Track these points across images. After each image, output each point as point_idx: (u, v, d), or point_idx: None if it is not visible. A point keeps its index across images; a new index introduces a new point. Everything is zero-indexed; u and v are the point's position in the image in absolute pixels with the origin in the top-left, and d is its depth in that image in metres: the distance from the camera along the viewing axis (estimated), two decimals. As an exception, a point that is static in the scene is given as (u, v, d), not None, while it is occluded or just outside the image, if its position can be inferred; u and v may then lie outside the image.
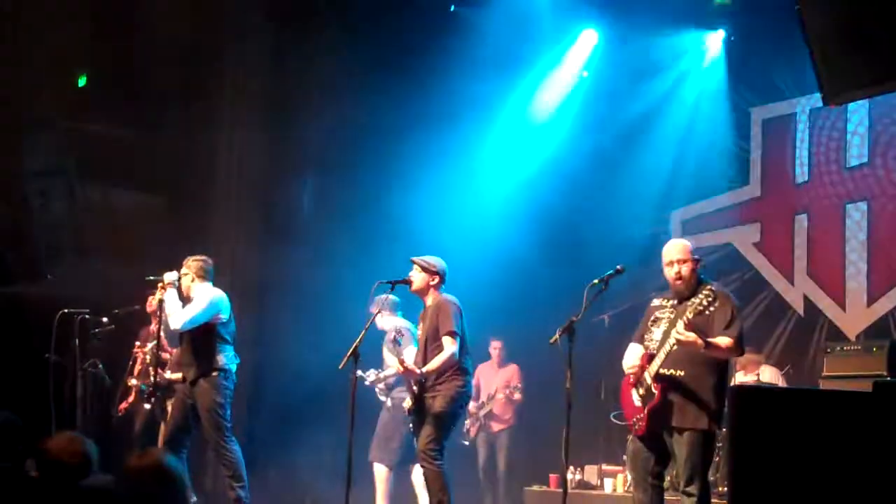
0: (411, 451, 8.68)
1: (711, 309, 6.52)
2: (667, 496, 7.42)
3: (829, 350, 9.72)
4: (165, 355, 9.15)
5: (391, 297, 9.07)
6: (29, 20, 10.15)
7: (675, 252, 6.93)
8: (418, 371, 7.92)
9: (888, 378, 8.82)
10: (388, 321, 9.59)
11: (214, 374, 8.43)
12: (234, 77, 12.32)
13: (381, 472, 9.66)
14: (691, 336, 6.47)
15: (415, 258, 8.24)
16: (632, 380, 6.88)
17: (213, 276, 8.78)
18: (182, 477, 4.09)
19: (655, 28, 11.84)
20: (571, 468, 9.94)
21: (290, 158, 12.31)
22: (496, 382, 11.37)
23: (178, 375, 8.88)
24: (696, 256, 6.93)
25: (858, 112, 10.94)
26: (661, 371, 6.68)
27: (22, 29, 10.11)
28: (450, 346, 7.90)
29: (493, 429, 11.37)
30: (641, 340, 7.02)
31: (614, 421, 9.55)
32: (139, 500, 3.68)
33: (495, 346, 11.52)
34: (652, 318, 6.98)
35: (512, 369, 11.43)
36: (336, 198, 12.18)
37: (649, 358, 6.79)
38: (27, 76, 10.12)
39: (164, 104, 11.53)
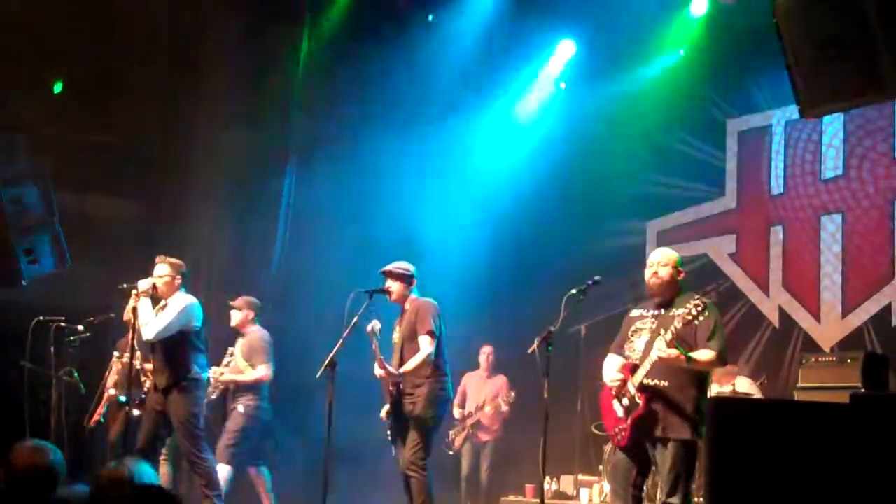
0: (255, 453, 9.48)
1: (700, 319, 6.53)
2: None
3: (803, 361, 9.74)
4: (148, 365, 9.11)
5: (254, 299, 9.68)
6: (3, 26, 10.09)
7: (658, 255, 7.03)
8: (396, 372, 7.90)
9: (862, 390, 8.87)
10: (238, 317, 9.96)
11: (186, 383, 8.38)
12: (212, 81, 12.29)
13: (225, 472, 9.41)
14: (673, 353, 6.49)
15: (386, 269, 8.23)
16: (614, 392, 6.88)
17: (188, 281, 8.77)
18: (157, 486, 4.05)
19: (632, 40, 11.88)
20: (548, 478, 9.93)
21: (270, 164, 12.28)
22: (485, 392, 11.35)
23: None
24: (679, 267, 6.96)
25: (833, 124, 10.99)
26: (645, 381, 6.70)
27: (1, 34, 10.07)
28: (426, 347, 7.91)
29: (481, 438, 11.33)
30: (621, 351, 7.02)
31: (595, 432, 9.57)
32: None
33: (485, 352, 11.48)
34: (632, 328, 6.99)
35: (501, 380, 11.41)
36: (319, 206, 12.14)
37: (632, 368, 6.80)
38: (1, 82, 10.07)
39: (141, 110, 11.50)
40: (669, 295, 6.90)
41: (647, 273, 6.98)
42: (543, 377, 7.20)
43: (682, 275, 7.01)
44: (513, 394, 11.07)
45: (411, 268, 8.26)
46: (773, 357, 10.94)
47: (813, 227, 11.14)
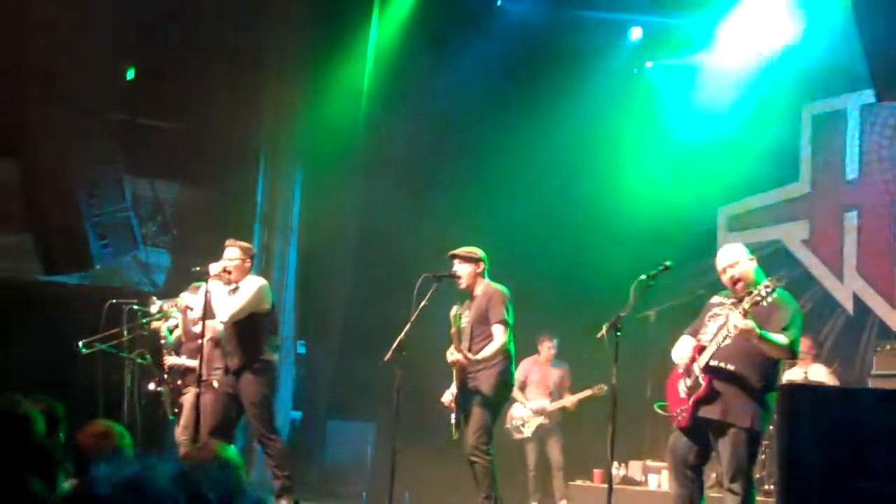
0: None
1: (769, 300, 6.39)
2: (712, 493, 7.36)
3: (878, 348, 9.63)
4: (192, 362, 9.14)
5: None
6: (78, 13, 10.22)
7: (723, 259, 6.86)
8: (473, 358, 7.86)
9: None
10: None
11: (259, 365, 8.42)
12: (279, 69, 12.35)
13: None
14: (749, 324, 6.32)
15: (455, 251, 8.16)
16: (680, 370, 6.82)
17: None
18: (242, 467, 4.06)
19: (705, 23, 11.78)
20: (616, 463, 9.88)
21: (335, 151, 12.32)
22: (553, 379, 11.29)
23: (191, 362, 8.94)
24: (749, 256, 6.83)
25: (910, 109, 10.82)
26: (712, 363, 6.61)
27: (71, 22, 10.19)
28: (500, 336, 7.86)
29: (549, 425, 11.24)
30: (695, 335, 6.92)
31: (657, 411, 9.50)
32: (202, 489, 3.66)
33: (548, 346, 11.40)
34: (710, 313, 6.89)
35: (564, 368, 11.35)
36: (387, 191, 12.15)
37: (700, 349, 6.72)
38: (76, 69, 10.19)
39: (210, 95, 11.60)
40: (752, 284, 6.76)
41: (725, 279, 6.81)
42: (612, 363, 7.15)
43: (755, 261, 6.86)
44: (604, 386, 10.76)
45: (480, 252, 8.20)
46: (848, 344, 10.80)
47: (888, 213, 10.97)
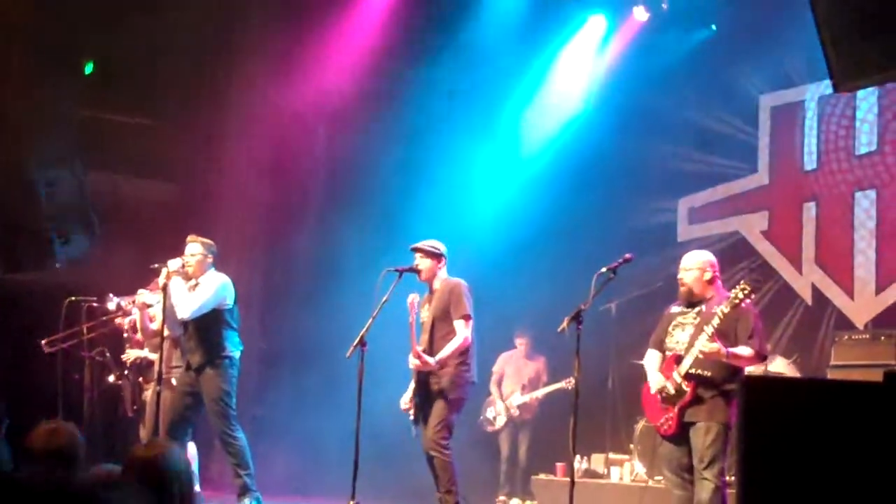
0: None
1: (742, 306, 6.75)
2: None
3: (837, 339, 9.69)
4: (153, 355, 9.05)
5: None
6: (34, 8, 10.13)
7: (684, 261, 7.20)
8: (432, 362, 7.85)
9: (897, 367, 8.80)
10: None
11: (220, 361, 8.39)
12: (244, 64, 12.30)
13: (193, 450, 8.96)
14: (715, 347, 6.69)
15: (417, 245, 8.16)
16: (651, 389, 7.09)
17: (218, 260, 8.77)
18: (187, 468, 4.05)
19: (664, 14, 11.79)
20: (578, 457, 9.91)
21: (301, 147, 12.29)
22: (527, 373, 11.33)
23: (153, 356, 8.86)
24: (706, 268, 7.09)
25: (867, 99, 10.87)
26: (691, 371, 6.87)
27: (32, 16, 10.09)
28: (463, 330, 7.87)
29: (523, 417, 11.26)
30: (660, 347, 7.20)
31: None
32: (143, 491, 3.66)
33: (521, 343, 11.46)
34: (672, 323, 7.16)
35: (541, 361, 11.37)
36: (347, 186, 12.13)
37: (677, 359, 6.97)
38: (36, 64, 10.10)
39: (173, 92, 11.52)
40: (700, 294, 7.08)
41: (678, 276, 7.18)
42: (574, 355, 7.20)
43: (712, 272, 7.13)
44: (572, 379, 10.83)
45: (442, 246, 8.19)
46: (806, 335, 10.85)
47: (846, 204, 11.03)
